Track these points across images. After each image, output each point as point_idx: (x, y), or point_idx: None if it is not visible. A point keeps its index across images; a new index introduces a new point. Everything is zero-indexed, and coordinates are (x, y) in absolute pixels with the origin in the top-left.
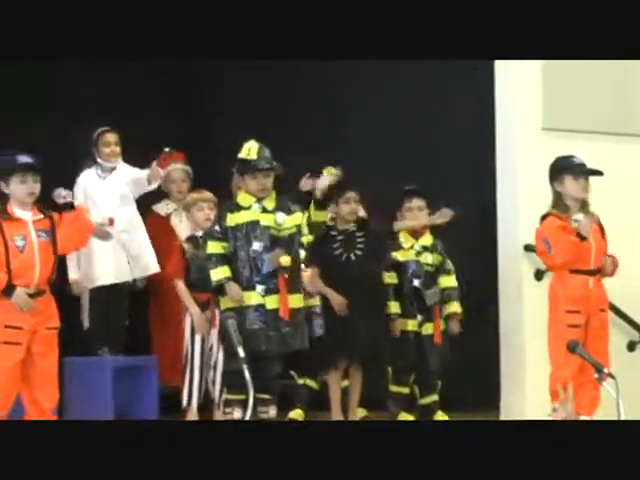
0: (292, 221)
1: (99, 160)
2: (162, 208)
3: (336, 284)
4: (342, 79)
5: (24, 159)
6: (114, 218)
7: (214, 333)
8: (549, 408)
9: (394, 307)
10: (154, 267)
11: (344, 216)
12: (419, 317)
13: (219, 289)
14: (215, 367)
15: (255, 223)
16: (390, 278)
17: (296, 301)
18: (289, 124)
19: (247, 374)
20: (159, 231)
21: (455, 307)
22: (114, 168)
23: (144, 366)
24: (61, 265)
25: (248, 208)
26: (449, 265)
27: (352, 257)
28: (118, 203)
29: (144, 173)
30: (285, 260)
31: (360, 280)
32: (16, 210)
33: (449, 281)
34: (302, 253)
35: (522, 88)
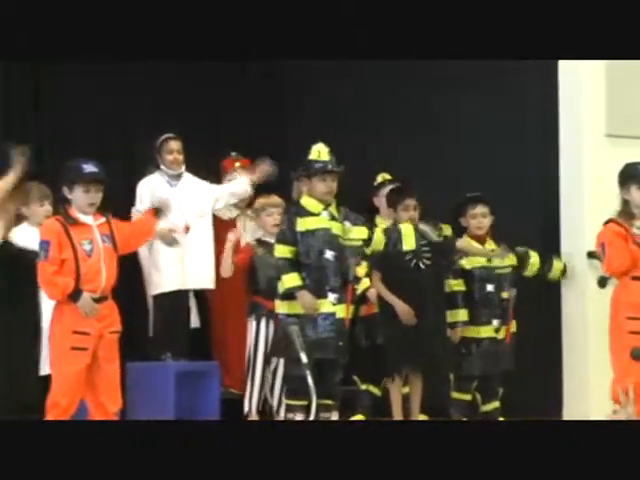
0: (359, 233)
1: (163, 167)
2: (225, 213)
3: (403, 291)
4: (404, 79)
5: (90, 169)
6: (190, 226)
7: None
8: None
9: (462, 315)
10: (211, 284)
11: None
12: (495, 322)
13: (289, 295)
14: (275, 373)
15: (326, 230)
16: (457, 286)
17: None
18: (343, 128)
19: (310, 380)
20: (221, 235)
21: None
22: (180, 175)
23: (206, 371)
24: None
25: (317, 214)
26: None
27: (421, 265)
28: (194, 213)
29: (238, 186)
30: (359, 271)
31: (427, 288)
32: (79, 214)
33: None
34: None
35: (586, 95)
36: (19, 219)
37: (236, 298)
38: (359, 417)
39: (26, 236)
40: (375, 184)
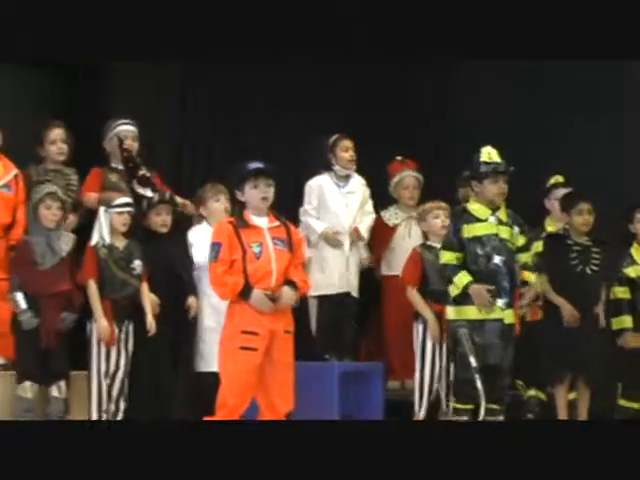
0: (522, 239)
1: (336, 167)
2: (391, 217)
3: (569, 295)
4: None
5: (255, 165)
6: (360, 229)
7: None
8: None
9: (627, 321)
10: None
11: (577, 227)
12: None
13: (459, 300)
14: (440, 376)
15: (494, 236)
16: (623, 293)
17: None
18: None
19: (479, 384)
20: (384, 239)
21: None
22: (349, 176)
23: (370, 372)
24: None
25: (485, 220)
26: None
27: (587, 271)
28: (360, 216)
29: None
30: (527, 275)
31: (593, 294)
32: (253, 217)
33: None
34: None
35: None
36: (199, 219)
37: (403, 300)
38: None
39: (202, 235)
40: (547, 186)
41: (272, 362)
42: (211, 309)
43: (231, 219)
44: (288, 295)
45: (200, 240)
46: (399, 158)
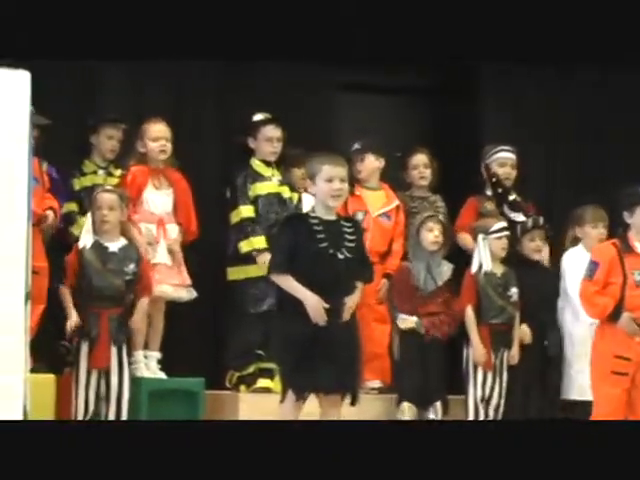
0: None
1: None
2: None
3: None
4: None
5: None
6: None
7: None
8: None
9: None
10: None
11: None
12: None
13: None
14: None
15: None
16: None
17: None
18: None
19: None
20: None
21: None
22: None
23: None
24: None
25: None
26: None
27: None
28: None
29: None
30: None
31: None
32: (637, 244)
33: None
34: None
35: None
36: (574, 241)
37: None
38: None
39: (577, 258)
40: None
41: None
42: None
43: (614, 241)
44: None
45: (574, 264)
46: None
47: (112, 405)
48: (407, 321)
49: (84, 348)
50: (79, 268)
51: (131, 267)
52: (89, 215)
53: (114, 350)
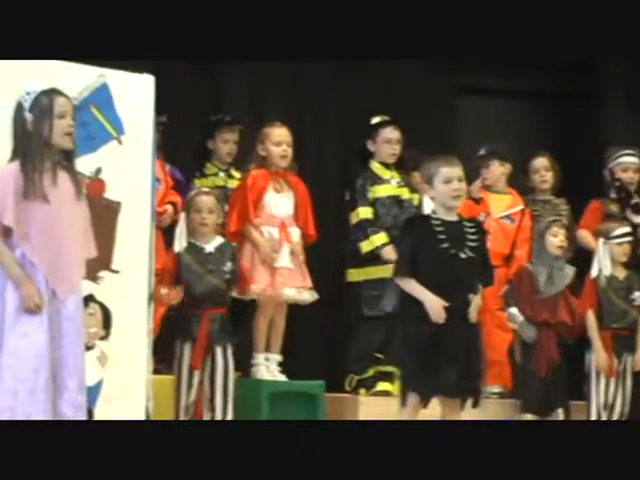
0: None
1: None
2: None
3: None
4: None
5: None
6: None
7: None
8: None
9: None
10: None
11: None
12: None
13: None
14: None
15: None
16: None
17: None
18: None
19: None
20: None
21: None
22: None
23: None
24: None
25: None
26: None
27: None
28: None
29: None
30: None
31: None
32: None
33: None
34: None
35: None
36: None
37: None
38: None
39: None
40: None
41: None
42: None
43: None
44: None
45: None
46: None
47: (218, 406)
48: (516, 316)
49: (187, 349)
50: (178, 272)
51: (228, 265)
52: (182, 217)
53: (219, 350)
